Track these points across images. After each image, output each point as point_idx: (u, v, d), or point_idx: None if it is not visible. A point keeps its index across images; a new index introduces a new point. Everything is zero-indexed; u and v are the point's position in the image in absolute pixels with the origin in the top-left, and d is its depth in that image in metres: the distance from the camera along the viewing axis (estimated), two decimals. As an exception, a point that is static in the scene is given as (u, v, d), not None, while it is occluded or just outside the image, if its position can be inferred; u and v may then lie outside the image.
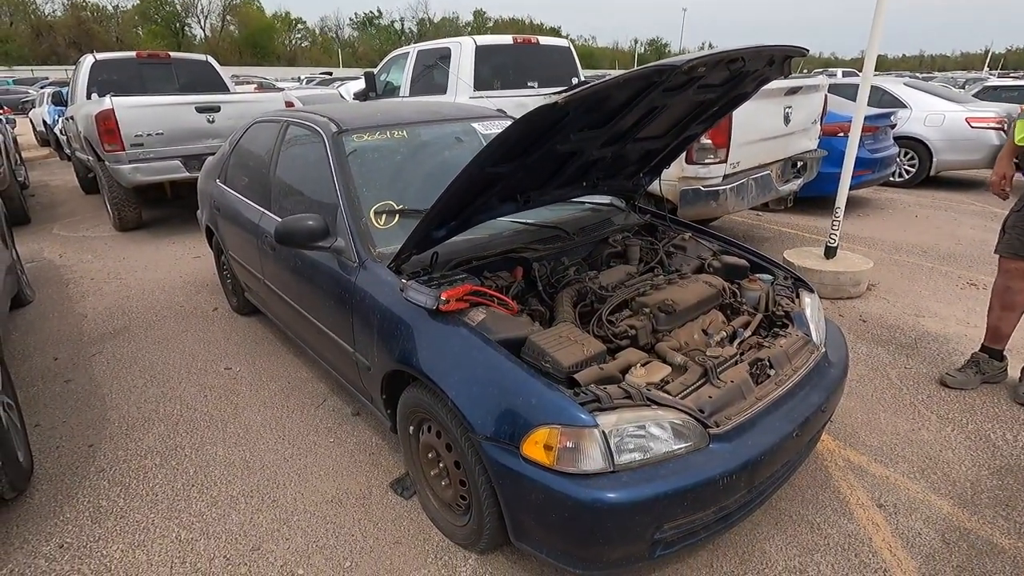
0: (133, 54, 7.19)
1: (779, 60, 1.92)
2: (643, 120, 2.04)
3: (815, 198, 5.90)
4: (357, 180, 2.32)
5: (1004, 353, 2.76)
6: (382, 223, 2.21)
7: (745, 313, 2.13)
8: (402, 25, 79.59)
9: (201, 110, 5.74)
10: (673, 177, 3.87)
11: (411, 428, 1.98)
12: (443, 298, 1.73)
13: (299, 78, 27.01)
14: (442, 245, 2.04)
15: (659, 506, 1.43)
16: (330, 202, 2.31)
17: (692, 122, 2.28)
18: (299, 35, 77.95)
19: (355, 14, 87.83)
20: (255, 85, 19.50)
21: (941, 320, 3.53)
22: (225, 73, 7.83)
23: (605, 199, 2.82)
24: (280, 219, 2.23)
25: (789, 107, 4.17)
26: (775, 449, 1.61)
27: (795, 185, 4.56)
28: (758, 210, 6.25)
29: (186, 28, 64.76)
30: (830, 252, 4.01)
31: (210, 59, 7.69)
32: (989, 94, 9.96)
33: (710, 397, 1.61)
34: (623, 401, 1.52)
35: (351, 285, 2.10)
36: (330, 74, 28.92)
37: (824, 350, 1.98)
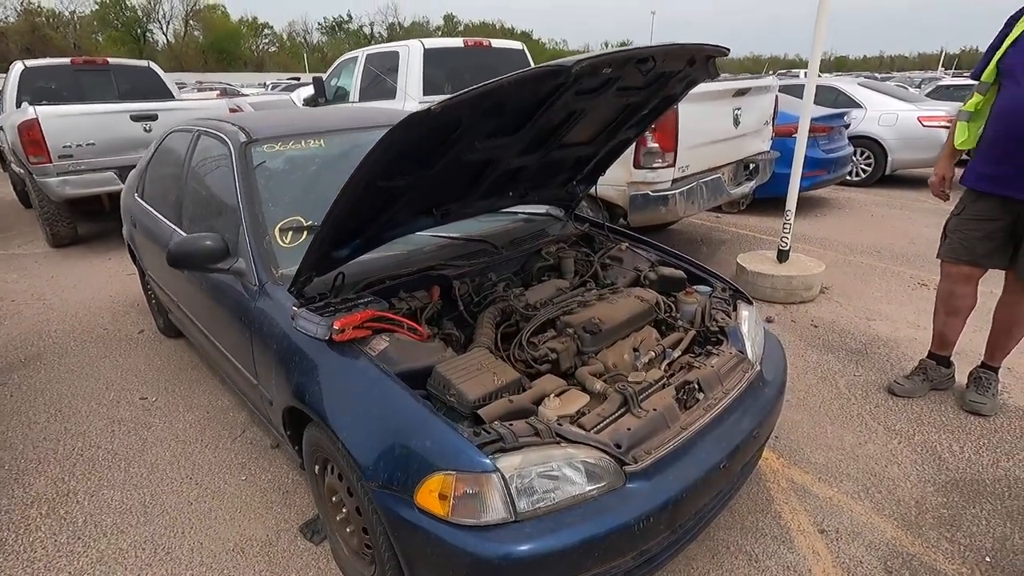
0: (68, 60, 6.84)
1: (701, 60, 1.79)
2: (564, 125, 1.90)
3: (772, 199, 5.88)
4: (263, 194, 2.14)
5: (951, 359, 2.70)
6: (288, 241, 2.03)
7: (680, 329, 2.01)
8: (372, 30, 78.89)
9: (137, 119, 5.46)
10: (622, 182, 3.76)
11: (316, 468, 1.80)
12: (336, 327, 1.56)
13: (265, 83, 26.47)
14: (350, 265, 1.87)
15: (568, 557, 1.28)
16: (233, 219, 2.12)
17: (622, 126, 2.15)
18: (266, 40, 76.65)
19: (324, 18, 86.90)
20: (217, 91, 19.01)
21: (892, 323, 3.48)
22: (185, 79, 7.52)
23: (541, 209, 2.68)
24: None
25: (738, 109, 4.10)
26: (700, 484, 1.47)
27: (747, 188, 4.49)
28: (716, 212, 6.21)
29: (148, 34, 63.07)
30: (782, 255, 3.94)
31: (152, 65, 7.37)
32: (942, 93, 10.18)
33: (629, 429, 1.47)
34: (530, 439, 1.37)
35: (250, 311, 1.91)
36: (297, 79, 28.39)
37: (759, 368, 1.87)
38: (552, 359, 1.73)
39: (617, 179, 3.75)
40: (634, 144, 3.64)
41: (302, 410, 1.63)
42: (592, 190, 2.64)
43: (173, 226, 2.68)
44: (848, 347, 3.19)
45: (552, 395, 1.54)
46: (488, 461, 1.29)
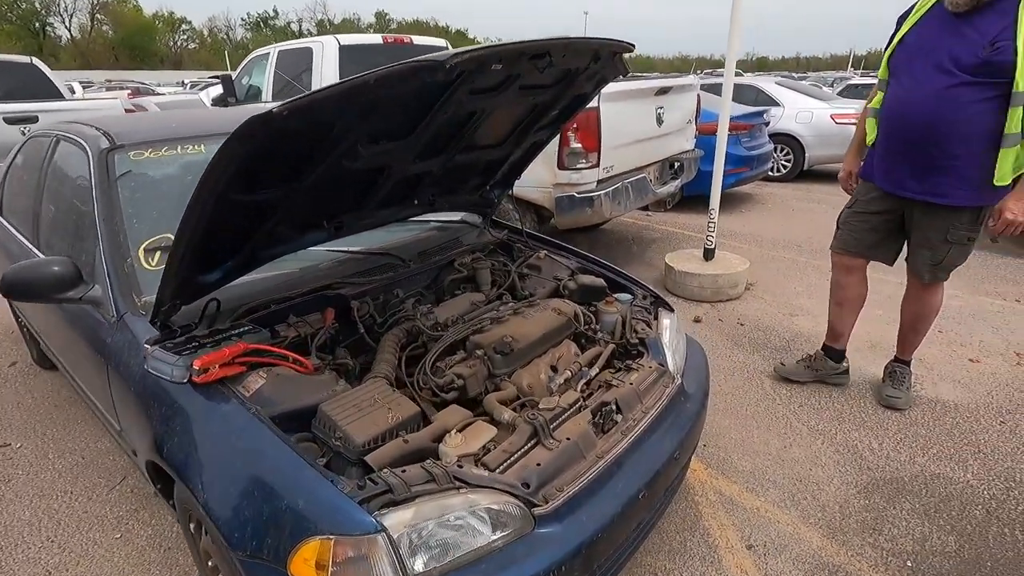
0: (-67, 56, 6.05)
1: (607, 56, 1.67)
2: (467, 128, 1.74)
3: (699, 197, 5.96)
4: (127, 209, 1.85)
5: (844, 354, 2.74)
6: (155, 263, 1.76)
7: (600, 342, 1.89)
8: (300, 27, 76.07)
9: (12, 121, 4.88)
10: (547, 184, 3.65)
11: (191, 526, 1.55)
12: (196, 367, 1.33)
13: (183, 82, 24.88)
14: (227, 289, 1.63)
15: (471, 621, 1.12)
16: (91, 238, 1.82)
17: (531, 128, 2.01)
18: (184, 36, 72.40)
19: (247, 14, 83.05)
20: (129, 90, 17.62)
21: (813, 318, 3.54)
22: (93, 77, 6.81)
23: (456, 216, 2.51)
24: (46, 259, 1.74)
25: (661, 107, 4.08)
26: (618, 519, 1.35)
27: (673, 187, 4.50)
28: (645, 211, 6.24)
29: (49, 28, 58.07)
30: (708, 254, 3.95)
31: (36, 61, 6.65)
32: (852, 91, 10.75)
33: (539, 464, 1.33)
34: (424, 487, 1.19)
35: (107, 346, 1.64)
36: (218, 78, 26.86)
37: (680, 381, 1.77)
38: (459, 386, 1.56)
39: (542, 181, 3.64)
40: (558, 145, 3.57)
41: (160, 466, 1.39)
42: (510, 193, 2.49)
43: (31, 247, 2.32)
44: (772, 344, 3.20)
45: (454, 430, 1.37)
46: (372, 520, 1.10)
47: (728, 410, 2.56)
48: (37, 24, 56.53)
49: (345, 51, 5.03)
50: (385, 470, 1.22)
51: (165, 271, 1.38)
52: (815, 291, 3.99)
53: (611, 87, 3.68)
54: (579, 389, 1.63)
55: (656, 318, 2.02)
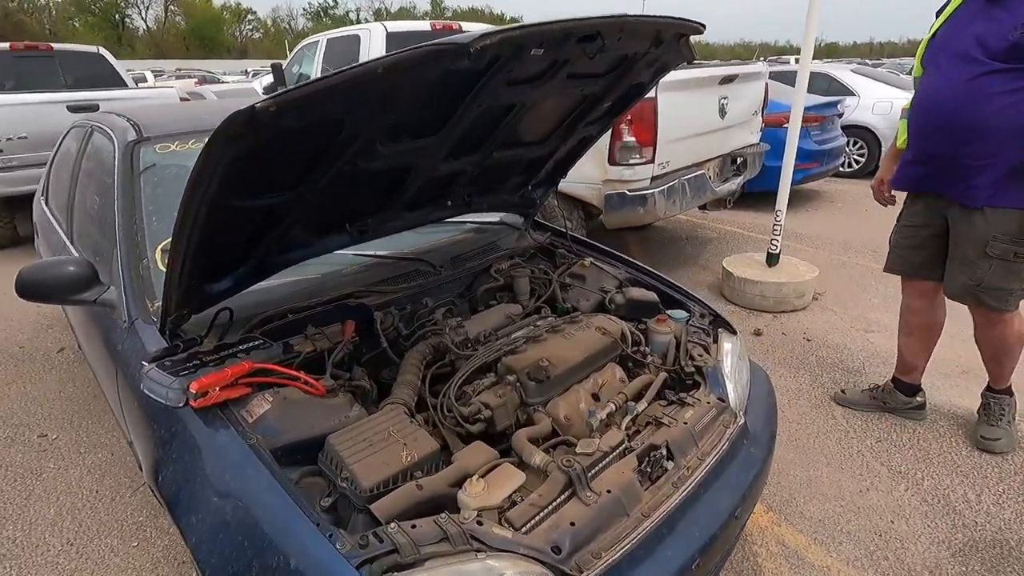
0: (7, 46, 6.33)
1: (670, 39, 1.43)
2: (504, 123, 1.53)
3: (763, 193, 5.54)
4: (147, 205, 1.76)
5: (919, 387, 2.40)
6: (172, 265, 1.65)
7: (649, 367, 1.66)
8: (358, 15, 77.39)
9: (74, 109, 5.00)
10: (597, 180, 3.40)
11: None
12: (194, 390, 1.19)
13: (247, 71, 25.71)
14: (243, 296, 1.51)
15: None
16: (109, 236, 1.74)
17: (579, 122, 1.78)
18: (250, 26, 74.97)
19: (309, 4, 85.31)
20: (196, 79, 18.31)
21: (891, 335, 3.12)
22: (164, 66, 7.04)
23: (494, 217, 2.32)
24: (78, 255, 1.68)
25: (725, 98, 3.74)
26: (666, 593, 1.13)
27: (734, 184, 4.14)
28: (704, 209, 5.86)
29: (127, 20, 61.36)
30: (772, 259, 3.61)
31: (102, 50, 6.86)
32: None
33: (573, 524, 1.12)
34: (436, 548, 1.02)
35: (118, 354, 1.55)
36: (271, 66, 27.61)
37: (743, 419, 1.53)
38: (486, 417, 1.38)
39: (591, 177, 3.40)
40: (609, 138, 3.31)
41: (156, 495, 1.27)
42: (553, 192, 2.27)
43: (66, 240, 2.29)
44: (844, 365, 2.87)
45: (476, 475, 1.19)
46: (371, 591, 0.94)
47: (793, 441, 2.28)
48: (117, 16, 59.83)
49: (392, 38, 4.90)
50: (393, 524, 1.05)
51: (166, 280, 1.26)
52: (893, 303, 3.55)
53: (671, 75, 3.38)
54: (623, 427, 1.41)
55: (716, 341, 1.77)
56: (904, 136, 2.12)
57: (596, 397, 1.54)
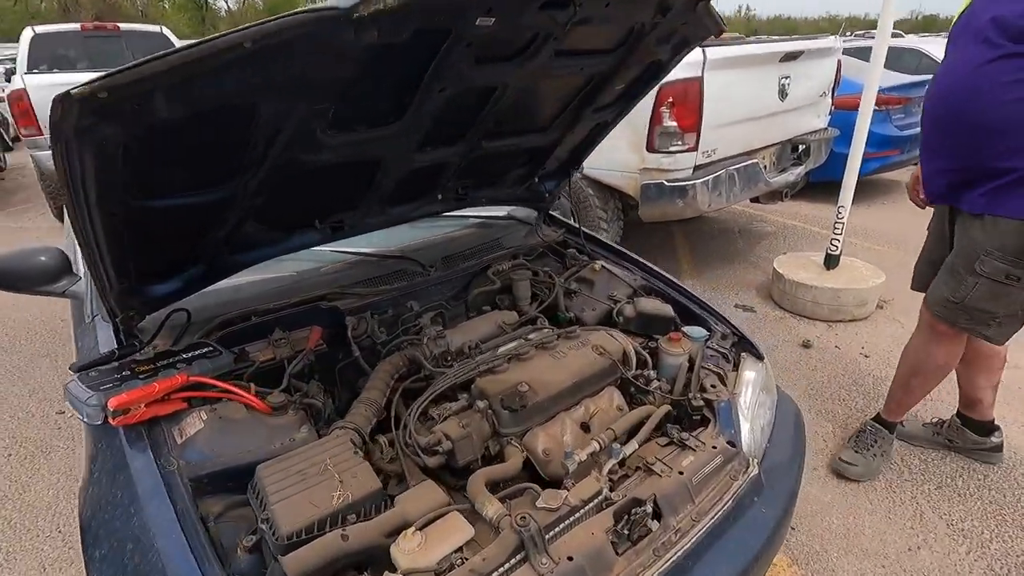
0: (77, 26, 6.62)
1: (682, 6, 1.16)
2: (488, 108, 1.32)
3: (830, 183, 5.02)
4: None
5: (993, 424, 2.05)
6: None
7: (653, 395, 1.43)
8: None
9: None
10: (633, 168, 3.11)
11: None
12: (112, 408, 1.08)
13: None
14: (206, 294, 1.40)
15: None
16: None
17: (587, 107, 1.54)
18: (321, 5, 76.61)
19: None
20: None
21: (970, 356, 2.72)
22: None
23: (503, 211, 2.11)
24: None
25: (786, 77, 3.32)
26: None
27: (793, 175, 3.71)
28: (757, 201, 5.39)
29: (210, 1, 64.26)
30: (831, 261, 3.21)
31: (165, 30, 7.07)
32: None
33: (518, 601, 0.94)
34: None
35: (79, 351, 1.48)
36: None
37: (756, 470, 1.27)
38: (446, 449, 1.20)
39: (627, 164, 3.11)
40: (648, 122, 3.00)
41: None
42: (582, 176, 2.04)
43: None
44: (907, 389, 2.49)
45: (414, 527, 1.02)
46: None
47: (832, 479, 1.98)
48: (201, -4, 62.76)
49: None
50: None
51: (94, 283, 1.15)
52: (976, 318, 3.11)
53: (721, 52, 3.04)
54: (605, 473, 1.19)
55: (736, 368, 1.51)
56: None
57: (586, 428, 1.34)
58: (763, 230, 4.64)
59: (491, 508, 1.07)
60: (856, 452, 2.02)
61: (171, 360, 1.24)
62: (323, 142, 1.09)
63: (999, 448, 2.03)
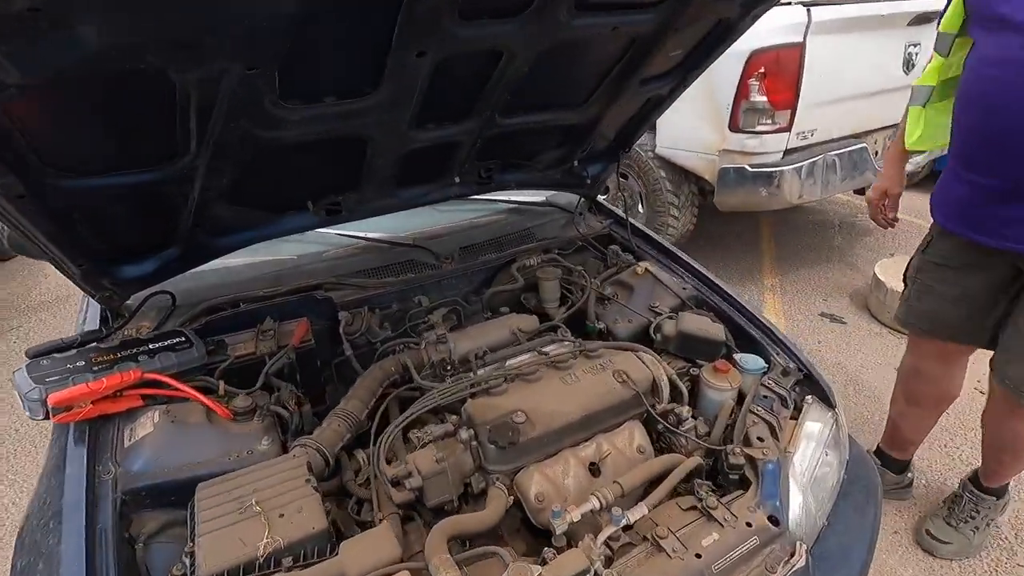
0: None
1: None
2: (495, 78, 1.08)
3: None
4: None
5: (908, 464, 1.86)
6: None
7: (683, 439, 1.17)
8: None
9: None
10: (712, 150, 2.72)
11: None
12: (51, 404, 0.99)
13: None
14: (199, 276, 1.30)
15: None
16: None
17: (631, 77, 1.25)
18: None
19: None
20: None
21: None
22: None
23: (540, 196, 1.86)
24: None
25: (914, 45, 2.74)
26: None
27: (915, 162, 3.12)
28: (861, 193, 4.70)
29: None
30: (950, 271, 2.66)
31: None
32: None
33: None
34: None
35: (78, 327, 1.43)
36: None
37: (805, 559, 0.98)
38: (414, 487, 1.02)
39: (706, 144, 2.72)
40: (733, 96, 2.59)
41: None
42: (653, 155, 1.75)
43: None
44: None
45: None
46: None
47: (918, 549, 1.61)
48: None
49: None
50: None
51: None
52: None
53: (831, 12, 2.52)
54: (601, 543, 0.96)
55: (796, 415, 1.20)
56: (918, 131, 1.52)
57: (595, 470, 1.11)
58: (867, 226, 4.02)
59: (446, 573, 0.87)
60: (949, 525, 1.66)
61: (134, 351, 1.13)
62: (280, 116, 0.90)
63: (909, 486, 1.85)
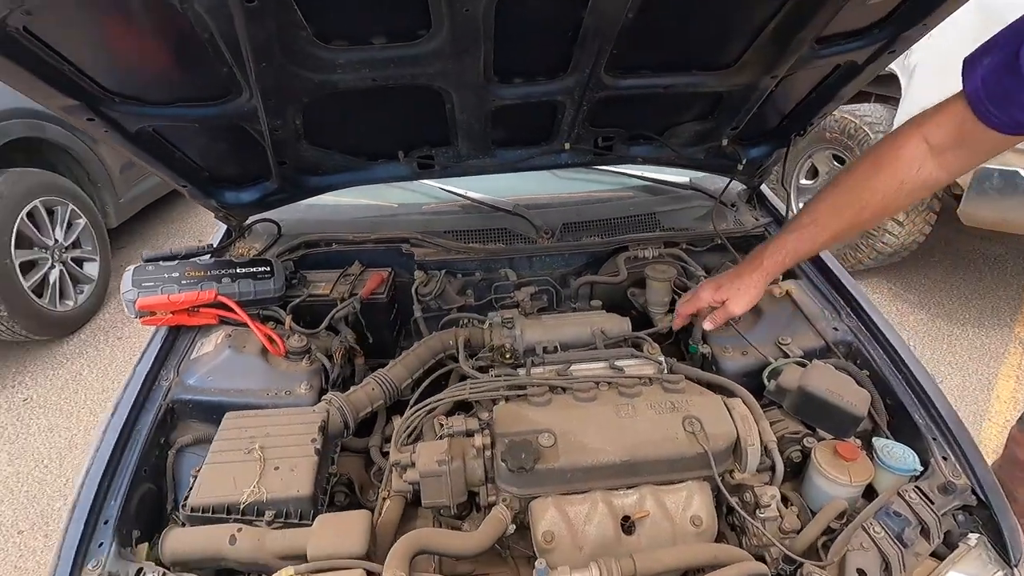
0: None
1: None
2: (594, 24, 0.84)
3: None
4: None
5: None
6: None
7: (761, 529, 0.89)
8: None
9: None
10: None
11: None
12: (138, 307, 1.11)
13: None
14: (310, 209, 1.38)
15: None
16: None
17: (800, 31, 0.89)
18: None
19: None
20: None
21: None
22: None
23: (684, 177, 1.54)
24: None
25: None
26: None
27: None
28: None
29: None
30: None
31: None
32: None
33: None
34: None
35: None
36: None
37: None
38: (410, 480, 0.94)
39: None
40: None
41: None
42: (782, 154, 1.35)
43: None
44: None
45: (292, 573, 0.80)
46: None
47: None
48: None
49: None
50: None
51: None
52: None
53: None
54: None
55: (945, 554, 0.82)
56: None
57: (628, 528, 0.90)
58: None
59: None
60: None
61: (220, 272, 1.22)
62: (325, 58, 0.82)
63: None
